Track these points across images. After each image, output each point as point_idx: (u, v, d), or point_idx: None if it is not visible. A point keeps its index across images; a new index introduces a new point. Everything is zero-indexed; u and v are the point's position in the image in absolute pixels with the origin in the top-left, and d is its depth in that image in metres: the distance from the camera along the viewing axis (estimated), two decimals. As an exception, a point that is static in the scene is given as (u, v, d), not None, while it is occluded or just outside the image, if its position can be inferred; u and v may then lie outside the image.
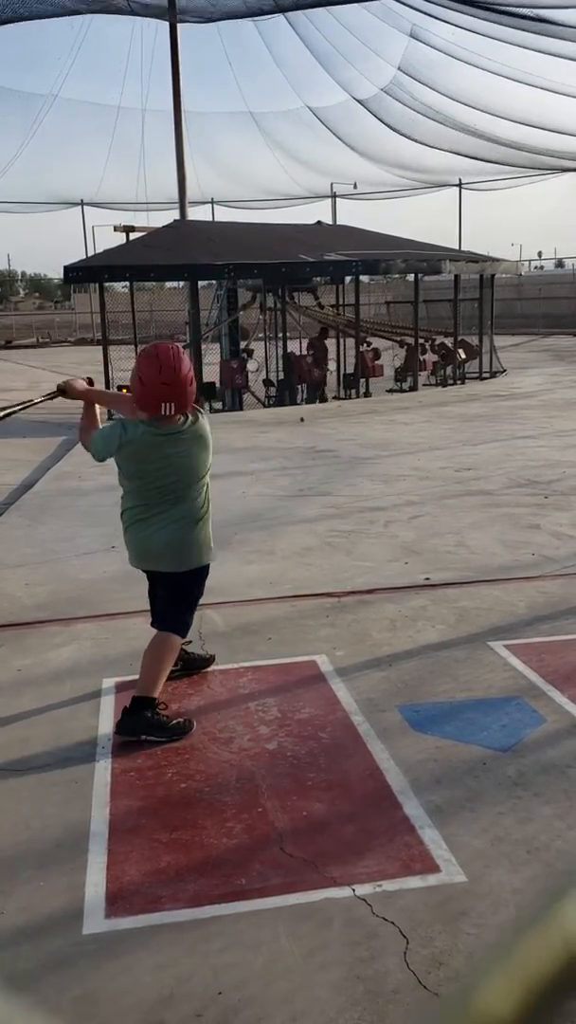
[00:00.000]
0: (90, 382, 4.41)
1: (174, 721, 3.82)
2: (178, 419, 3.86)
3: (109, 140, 38.90)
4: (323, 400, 17.11)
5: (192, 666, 4.41)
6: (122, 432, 3.82)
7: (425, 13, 24.61)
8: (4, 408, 4.57)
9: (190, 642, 4.53)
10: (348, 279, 18.64)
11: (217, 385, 16.39)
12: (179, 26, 20.78)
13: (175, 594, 3.99)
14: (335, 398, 17.11)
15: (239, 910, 2.68)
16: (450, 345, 18.66)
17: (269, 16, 26.20)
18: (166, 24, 20.88)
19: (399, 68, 32.58)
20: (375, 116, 35.24)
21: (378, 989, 2.34)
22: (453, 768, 3.46)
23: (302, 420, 13.81)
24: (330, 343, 17.91)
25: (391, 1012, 2.27)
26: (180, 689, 4.24)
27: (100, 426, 4.09)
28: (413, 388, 17.83)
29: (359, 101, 35.39)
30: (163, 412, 3.78)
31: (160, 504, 3.87)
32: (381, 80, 33.99)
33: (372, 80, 34.24)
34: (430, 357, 18.64)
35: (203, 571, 4.04)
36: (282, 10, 25.42)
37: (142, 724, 3.74)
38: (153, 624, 4.03)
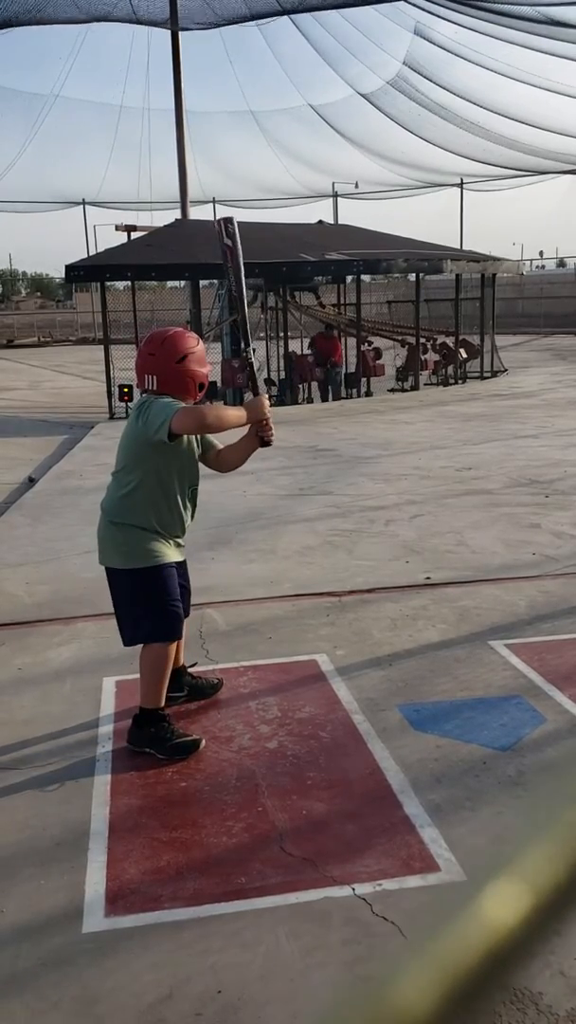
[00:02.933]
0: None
1: (178, 739, 3.64)
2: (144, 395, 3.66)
3: (111, 140, 39.01)
4: (415, 388, 17.43)
5: (200, 692, 4.12)
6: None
7: (430, 12, 24.62)
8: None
9: (195, 664, 4.31)
10: (349, 278, 18.64)
11: (218, 385, 16.39)
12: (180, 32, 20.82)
13: (112, 596, 3.74)
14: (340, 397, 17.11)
15: (239, 909, 2.68)
16: (451, 344, 18.65)
17: (272, 19, 26.22)
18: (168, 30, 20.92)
19: (404, 63, 32.61)
20: (379, 110, 35.27)
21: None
22: (453, 767, 3.45)
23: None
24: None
25: (390, 1011, 2.27)
26: (180, 688, 4.24)
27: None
28: (414, 387, 17.82)
29: (363, 95, 35.40)
30: (145, 385, 3.65)
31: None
32: (386, 74, 34.05)
33: (378, 74, 34.30)
34: (431, 356, 18.62)
35: (130, 575, 3.63)
36: (285, 12, 25.43)
37: (145, 738, 3.65)
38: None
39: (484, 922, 0.29)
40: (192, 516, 3.82)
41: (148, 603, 3.63)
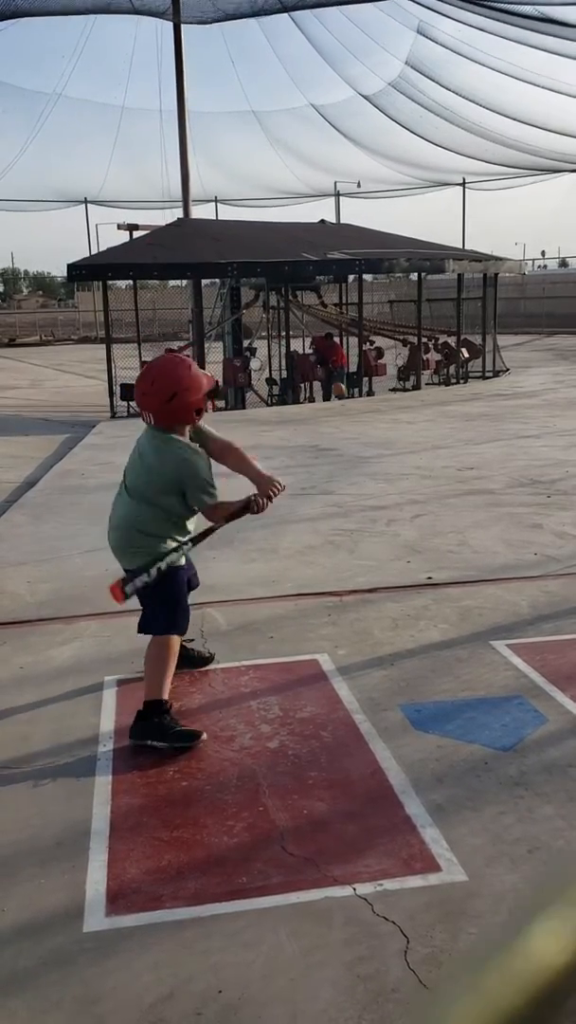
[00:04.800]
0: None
1: (178, 728, 3.71)
2: (169, 430, 3.79)
3: (113, 138, 38.97)
4: (416, 387, 17.43)
5: (192, 663, 4.40)
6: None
7: (432, 10, 24.60)
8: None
9: (192, 640, 4.54)
10: (351, 278, 18.63)
11: (220, 384, 16.40)
12: (183, 26, 20.79)
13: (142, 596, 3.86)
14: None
15: (240, 908, 2.68)
16: (453, 344, 18.64)
17: (272, 16, 26.19)
18: (170, 24, 20.89)
19: (406, 63, 32.57)
20: (381, 111, 35.24)
21: (378, 988, 2.34)
22: (454, 767, 3.45)
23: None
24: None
25: (391, 1011, 2.27)
26: (182, 687, 4.24)
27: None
28: (416, 387, 17.82)
29: (365, 97, 35.37)
30: (145, 420, 3.81)
31: (122, 493, 3.89)
32: (388, 74, 34.00)
33: (379, 74, 34.25)
34: (433, 356, 18.61)
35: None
36: (286, 9, 25.40)
37: (148, 729, 3.71)
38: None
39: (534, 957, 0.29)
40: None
41: (165, 602, 3.82)
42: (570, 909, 0.30)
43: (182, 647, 4.23)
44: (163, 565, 3.69)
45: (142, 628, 3.90)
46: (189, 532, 3.92)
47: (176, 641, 3.89)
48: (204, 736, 3.72)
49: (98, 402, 16.39)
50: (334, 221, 30.57)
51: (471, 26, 24.80)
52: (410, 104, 34.05)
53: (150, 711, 3.73)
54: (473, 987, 0.29)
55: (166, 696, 3.78)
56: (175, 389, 3.69)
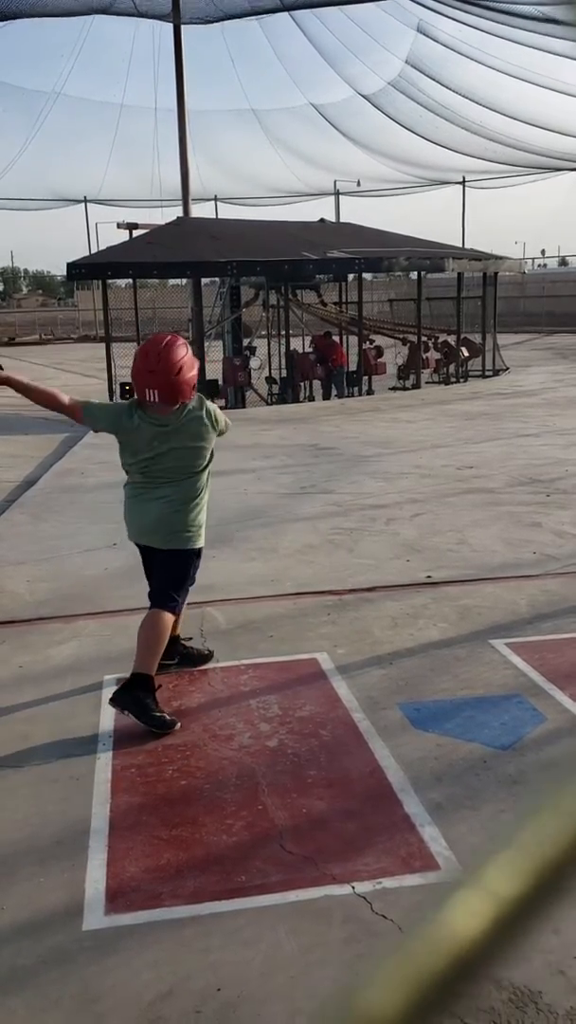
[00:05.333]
0: None
1: (159, 713, 3.83)
2: (170, 409, 3.89)
3: (112, 137, 38.92)
4: (416, 386, 17.52)
5: (190, 661, 4.45)
6: (125, 413, 3.96)
7: (431, 10, 24.58)
8: None
9: (190, 638, 4.58)
10: (351, 277, 18.62)
11: (220, 383, 16.39)
12: (182, 26, 20.78)
13: (166, 572, 4.05)
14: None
15: (239, 907, 2.68)
16: (453, 343, 18.64)
17: (272, 15, 26.17)
18: (170, 24, 20.88)
19: (406, 62, 32.54)
20: (381, 111, 35.20)
21: (377, 986, 2.35)
22: (454, 766, 3.46)
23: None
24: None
25: (390, 1009, 2.28)
26: (181, 686, 4.25)
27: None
28: (416, 386, 17.81)
29: (364, 97, 35.34)
30: (147, 399, 3.86)
31: (153, 484, 4.00)
32: (388, 74, 33.95)
33: (379, 73, 34.20)
34: (433, 355, 18.61)
35: (191, 554, 4.08)
36: (286, 8, 25.39)
37: (131, 701, 3.81)
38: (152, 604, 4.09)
39: (452, 928, 0.29)
40: None
41: (188, 579, 4.08)
42: (487, 883, 0.31)
43: (181, 645, 4.33)
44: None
45: (161, 602, 3.98)
46: None
47: (169, 618, 4.01)
48: (178, 726, 3.82)
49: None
50: (334, 220, 30.54)
51: (471, 26, 24.78)
52: (410, 103, 34.01)
53: (138, 684, 3.83)
54: (398, 953, 0.30)
55: (154, 672, 3.90)
56: (180, 364, 3.83)
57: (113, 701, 3.88)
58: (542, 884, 0.30)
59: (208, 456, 4.06)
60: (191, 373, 3.88)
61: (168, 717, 3.86)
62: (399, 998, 0.29)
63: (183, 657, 4.42)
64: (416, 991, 0.29)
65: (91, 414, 4.06)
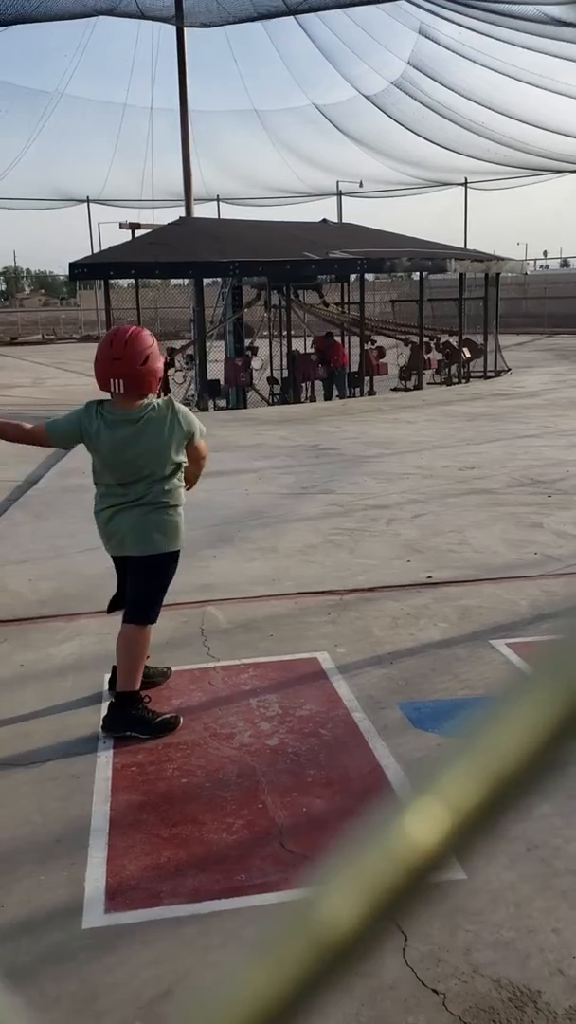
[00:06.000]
0: None
1: (160, 718, 3.81)
2: (134, 404, 3.80)
3: (115, 137, 38.98)
4: (418, 387, 17.48)
5: (147, 678, 4.09)
6: (85, 415, 3.84)
7: (432, 13, 24.59)
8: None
9: (147, 656, 4.22)
10: (353, 277, 18.63)
11: (221, 383, 16.40)
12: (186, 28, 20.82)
13: (144, 580, 3.89)
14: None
15: (238, 906, 2.68)
16: (455, 344, 18.64)
17: (277, 19, 26.19)
18: (173, 25, 20.91)
19: (408, 63, 32.55)
20: (383, 112, 35.21)
21: (376, 984, 2.35)
22: (453, 766, 3.45)
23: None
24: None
25: (388, 1007, 2.28)
26: (182, 685, 4.25)
27: (26, 424, 4.03)
28: (417, 387, 17.82)
29: (367, 97, 35.36)
30: (112, 389, 3.77)
31: (123, 490, 3.84)
32: (390, 74, 33.97)
33: (381, 74, 34.22)
34: (435, 356, 18.61)
35: (168, 559, 3.92)
36: (291, 12, 25.40)
37: (127, 720, 3.77)
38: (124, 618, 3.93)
39: (407, 839, 0.30)
40: None
41: (163, 589, 3.95)
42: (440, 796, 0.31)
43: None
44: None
45: (138, 617, 3.85)
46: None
47: (149, 631, 3.93)
48: (181, 720, 3.83)
49: (99, 401, 16.36)
50: (336, 220, 30.55)
51: (472, 30, 24.80)
52: (412, 104, 34.03)
53: (127, 702, 3.80)
54: (353, 863, 0.30)
55: (138, 686, 3.88)
56: (147, 352, 3.77)
57: (107, 729, 3.78)
58: (497, 795, 0.30)
59: (176, 460, 3.88)
60: (156, 364, 3.80)
61: (168, 716, 3.85)
62: (354, 908, 0.29)
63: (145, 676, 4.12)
64: (372, 901, 0.30)
65: (55, 430, 3.90)
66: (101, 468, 3.90)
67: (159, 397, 3.97)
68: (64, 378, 23.32)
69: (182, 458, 3.92)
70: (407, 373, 18.09)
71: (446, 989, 2.33)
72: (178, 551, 3.95)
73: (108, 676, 4.18)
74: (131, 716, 3.77)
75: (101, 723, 3.84)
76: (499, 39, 24.83)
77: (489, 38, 25.21)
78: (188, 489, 4.06)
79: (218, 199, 40.79)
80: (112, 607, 4.11)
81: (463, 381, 18.78)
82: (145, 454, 3.82)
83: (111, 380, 3.75)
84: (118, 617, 3.94)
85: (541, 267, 45.55)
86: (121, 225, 20.04)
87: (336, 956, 0.29)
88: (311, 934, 0.29)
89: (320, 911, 0.29)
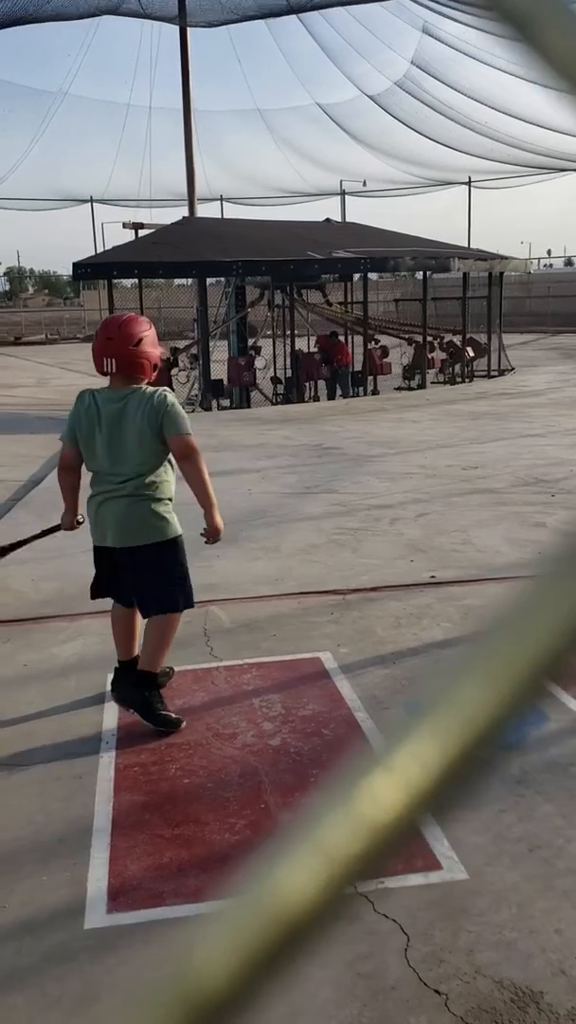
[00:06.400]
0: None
1: (163, 712, 3.84)
2: (125, 385, 3.82)
3: (118, 137, 38.99)
4: (421, 386, 17.41)
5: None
6: (80, 400, 3.93)
7: (436, 12, 24.57)
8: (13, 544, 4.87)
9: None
10: (356, 276, 18.62)
11: (225, 383, 16.40)
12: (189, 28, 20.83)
13: (162, 569, 3.86)
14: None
15: (240, 906, 2.68)
16: (458, 343, 18.62)
17: (280, 17, 26.19)
18: (175, 25, 20.92)
19: (412, 62, 32.52)
20: (386, 111, 35.19)
21: (378, 985, 2.35)
22: (456, 766, 3.45)
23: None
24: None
25: (390, 1008, 2.28)
26: (185, 684, 4.25)
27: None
28: (421, 386, 17.80)
29: (370, 97, 35.34)
30: (104, 368, 3.83)
31: (110, 475, 3.87)
32: (394, 74, 33.94)
33: (385, 74, 34.19)
34: (438, 355, 18.59)
35: (175, 543, 3.89)
36: (294, 11, 25.39)
37: (137, 699, 3.85)
38: (145, 613, 3.94)
39: (361, 813, 0.30)
40: None
41: (184, 569, 3.93)
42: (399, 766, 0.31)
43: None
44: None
45: (170, 606, 3.87)
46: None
47: (179, 617, 3.97)
48: (183, 724, 3.83)
49: (103, 401, 16.37)
50: (339, 220, 30.54)
51: (475, 28, 24.76)
52: (416, 103, 34.00)
53: (145, 682, 3.84)
54: (309, 838, 0.30)
55: (158, 670, 3.93)
56: (139, 336, 3.81)
57: (118, 698, 3.88)
58: (450, 771, 0.30)
59: (155, 447, 3.82)
60: (151, 350, 3.84)
61: (174, 716, 3.87)
62: (309, 882, 0.29)
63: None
64: (328, 874, 0.30)
65: (65, 435, 3.98)
66: (88, 454, 3.91)
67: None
68: (68, 378, 23.33)
69: (163, 447, 3.83)
70: (411, 372, 18.07)
71: (448, 990, 2.33)
72: (173, 539, 3.88)
73: (111, 676, 4.20)
74: (143, 698, 3.83)
75: (110, 685, 4.00)
76: (503, 37, 24.75)
77: (493, 36, 25.18)
78: (205, 507, 3.90)
79: (221, 199, 40.78)
80: (95, 594, 4.16)
81: (467, 380, 18.76)
82: (128, 431, 3.79)
83: (104, 359, 3.83)
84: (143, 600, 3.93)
85: (545, 266, 45.51)
86: (124, 225, 20.06)
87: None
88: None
89: (273, 890, 0.29)
